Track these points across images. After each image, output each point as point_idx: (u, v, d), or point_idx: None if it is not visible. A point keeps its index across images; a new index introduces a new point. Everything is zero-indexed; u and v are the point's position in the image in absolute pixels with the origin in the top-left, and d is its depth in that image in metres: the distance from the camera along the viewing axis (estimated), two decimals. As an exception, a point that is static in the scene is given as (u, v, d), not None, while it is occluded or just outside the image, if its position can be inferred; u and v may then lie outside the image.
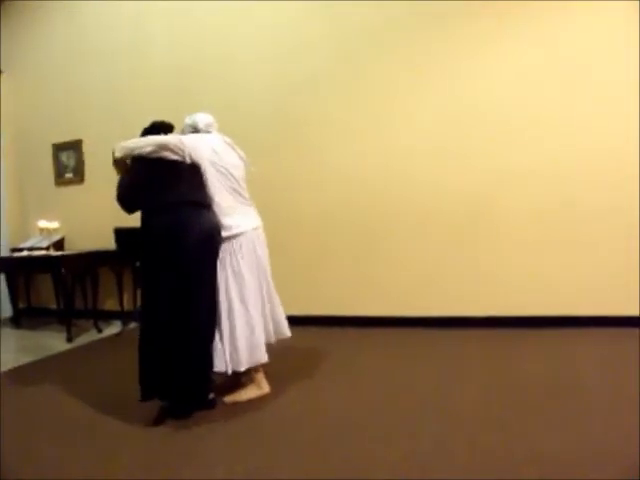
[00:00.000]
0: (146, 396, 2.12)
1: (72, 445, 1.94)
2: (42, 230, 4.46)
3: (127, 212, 2.29)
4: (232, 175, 2.32)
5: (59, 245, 4.60)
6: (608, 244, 3.26)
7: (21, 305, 4.81)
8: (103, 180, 4.21)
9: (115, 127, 4.29)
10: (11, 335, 4.20)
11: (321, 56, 3.85)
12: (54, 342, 3.78)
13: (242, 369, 2.22)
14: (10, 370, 3.06)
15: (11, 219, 4.93)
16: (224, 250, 2.25)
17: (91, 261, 4.23)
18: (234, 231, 2.27)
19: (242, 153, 2.47)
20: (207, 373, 2.19)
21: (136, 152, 2.16)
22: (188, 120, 2.46)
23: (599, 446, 1.69)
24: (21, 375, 2.96)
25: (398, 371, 2.67)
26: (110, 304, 4.59)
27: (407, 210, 3.67)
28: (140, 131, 2.36)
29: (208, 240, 2.15)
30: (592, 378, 2.38)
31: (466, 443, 1.77)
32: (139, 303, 2.36)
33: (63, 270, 3.90)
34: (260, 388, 2.36)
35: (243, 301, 2.25)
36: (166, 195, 2.15)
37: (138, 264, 3.25)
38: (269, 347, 2.35)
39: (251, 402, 2.27)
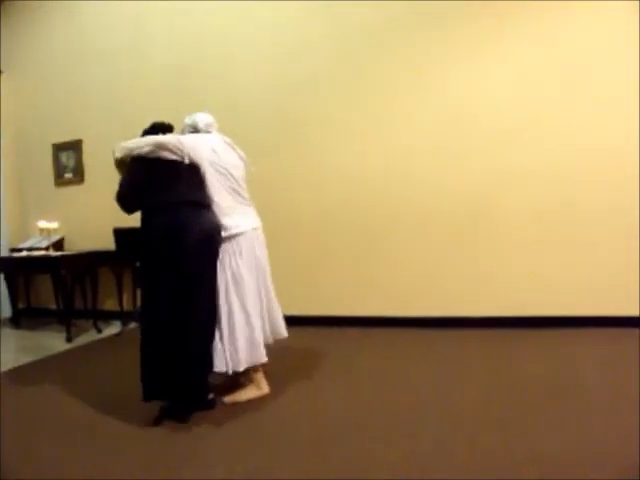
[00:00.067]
0: (148, 396, 2.12)
1: (72, 445, 1.94)
2: (42, 230, 4.46)
3: (126, 212, 2.28)
4: (232, 175, 2.32)
5: (59, 245, 4.60)
6: (608, 244, 3.26)
7: (21, 305, 4.80)
8: (103, 180, 4.21)
9: (115, 127, 4.29)
10: (11, 335, 4.20)
11: (321, 56, 3.85)
12: (54, 342, 3.78)
13: (241, 369, 2.22)
14: (10, 370, 3.06)
15: (11, 219, 4.93)
16: (223, 250, 2.25)
17: (91, 261, 4.23)
18: (233, 231, 2.27)
19: (242, 153, 2.47)
20: (207, 373, 2.19)
21: (135, 152, 2.16)
22: (188, 120, 2.46)
23: (599, 446, 1.68)
24: (21, 375, 2.96)
25: (398, 371, 2.66)
26: (110, 304, 4.59)
27: (407, 210, 3.67)
28: (140, 131, 2.36)
29: (208, 240, 2.15)
30: (592, 378, 2.38)
31: (466, 443, 1.76)
32: (139, 303, 2.36)
33: (63, 270, 3.91)
34: (260, 388, 2.36)
35: (242, 301, 2.24)
36: (165, 195, 2.15)
37: (138, 264, 3.25)
38: (267, 347, 2.34)
39: (251, 402, 2.27)
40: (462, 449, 1.72)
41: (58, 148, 4.83)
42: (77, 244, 4.65)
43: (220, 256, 2.24)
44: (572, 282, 3.34)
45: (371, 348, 3.19)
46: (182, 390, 2.10)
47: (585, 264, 3.32)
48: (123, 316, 4.32)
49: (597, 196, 3.28)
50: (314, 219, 3.91)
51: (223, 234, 2.24)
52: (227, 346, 2.20)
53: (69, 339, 3.80)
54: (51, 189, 4.89)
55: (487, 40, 3.47)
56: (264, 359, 2.28)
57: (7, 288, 4.63)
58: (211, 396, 2.23)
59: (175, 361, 2.06)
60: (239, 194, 2.36)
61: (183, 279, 2.08)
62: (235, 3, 4.07)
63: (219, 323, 2.22)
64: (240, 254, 2.28)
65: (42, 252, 4.21)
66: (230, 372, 2.22)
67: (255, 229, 2.38)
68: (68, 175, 4.81)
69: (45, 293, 4.93)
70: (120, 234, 3.97)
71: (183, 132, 2.44)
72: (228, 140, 2.42)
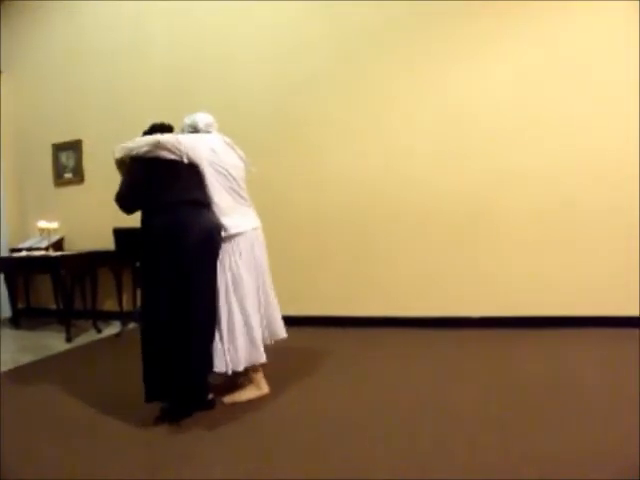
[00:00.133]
0: (151, 397, 2.11)
1: (72, 445, 1.94)
2: (41, 230, 4.46)
3: (126, 213, 2.28)
4: (231, 175, 2.32)
5: (58, 245, 4.60)
6: (608, 244, 3.26)
7: (20, 305, 4.80)
8: (103, 180, 4.21)
9: (115, 127, 4.30)
10: (10, 335, 4.19)
11: (321, 56, 3.85)
12: (53, 342, 3.78)
13: (241, 368, 2.22)
14: (10, 370, 3.05)
15: (10, 219, 4.93)
16: (223, 250, 2.25)
17: (90, 261, 4.23)
18: (233, 231, 2.26)
19: (242, 153, 2.47)
20: (207, 373, 2.18)
21: (134, 152, 2.16)
22: (187, 120, 2.46)
23: (599, 446, 1.68)
24: (21, 375, 2.96)
25: (398, 371, 2.66)
26: (109, 304, 4.59)
27: (407, 210, 3.67)
28: (140, 131, 2.36)
29: (208, 240, 2.15)
30: (592, 378, 2.38)
31: (466, 443, 1.76)
32: (138, 303, 2.36)
33: (62, 270, 3.90)
34: (259, 388, 2.35)
35: (241, 301, 2.24)
36: (165, 195, 2.15)
37: (138, 264, 3.25)
38: (266, 348, 2.34)
39: (250, 402, 2.27)
40: (462, 449, 1.72)
41: (58, 148, 4.83)
42: (77, 244, 4.65)
43: (220, 256, 2.23)
44: (572, 282, 3.34)
45: (371, 348, 3.19)
46: (182, 390, 2.10)
47: (585, 264, 3.32)
48: (123, 316, 4.31)
49: (597, 196, 3.28)
50: (314, 219, 3.91)
51: (223, 234, 2.24)
52: (227, 346, 2.20)
53: (69, 339, 3.80)
54: (51, 189, 4.89)
55: (487, 40, 3.48)
56: (263, 359, 2.28)
57: (7, 288, 4.62)
58: (211, 396, 2.23)
59: (175, 361, 2.06)
60: (239, 194, 2.36)
61: (183, 279, 2.08)
62: (235, 3, 4.07)
63: (219, 323, 2.21)
64: (240, 254, 2.27)
65: (42, 252, 4.21)
66: (230, 372, 2.22)
67: (255, 229, 2.37)
68: (68, 175, 4.81)
69: (45, 293, 4.93)
70: (120, 234, 3.96)
71: (183, 132, 2.44)
72: (228, 140, 2.42)
